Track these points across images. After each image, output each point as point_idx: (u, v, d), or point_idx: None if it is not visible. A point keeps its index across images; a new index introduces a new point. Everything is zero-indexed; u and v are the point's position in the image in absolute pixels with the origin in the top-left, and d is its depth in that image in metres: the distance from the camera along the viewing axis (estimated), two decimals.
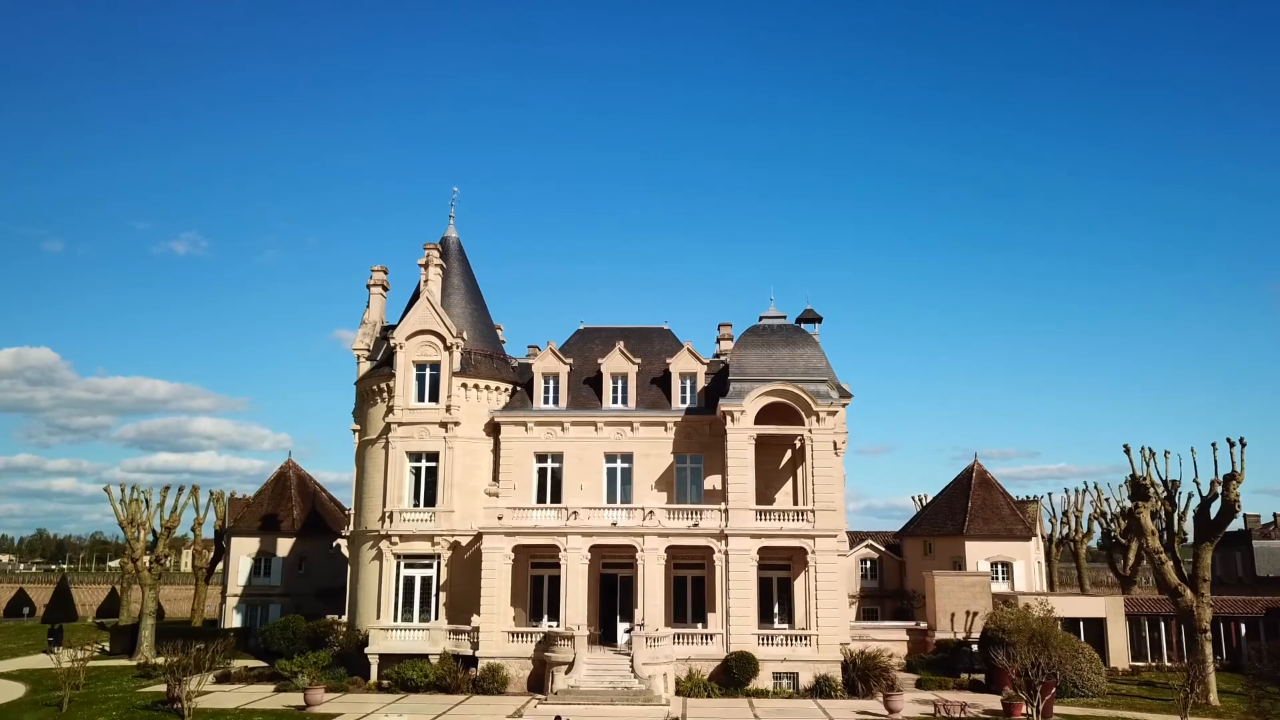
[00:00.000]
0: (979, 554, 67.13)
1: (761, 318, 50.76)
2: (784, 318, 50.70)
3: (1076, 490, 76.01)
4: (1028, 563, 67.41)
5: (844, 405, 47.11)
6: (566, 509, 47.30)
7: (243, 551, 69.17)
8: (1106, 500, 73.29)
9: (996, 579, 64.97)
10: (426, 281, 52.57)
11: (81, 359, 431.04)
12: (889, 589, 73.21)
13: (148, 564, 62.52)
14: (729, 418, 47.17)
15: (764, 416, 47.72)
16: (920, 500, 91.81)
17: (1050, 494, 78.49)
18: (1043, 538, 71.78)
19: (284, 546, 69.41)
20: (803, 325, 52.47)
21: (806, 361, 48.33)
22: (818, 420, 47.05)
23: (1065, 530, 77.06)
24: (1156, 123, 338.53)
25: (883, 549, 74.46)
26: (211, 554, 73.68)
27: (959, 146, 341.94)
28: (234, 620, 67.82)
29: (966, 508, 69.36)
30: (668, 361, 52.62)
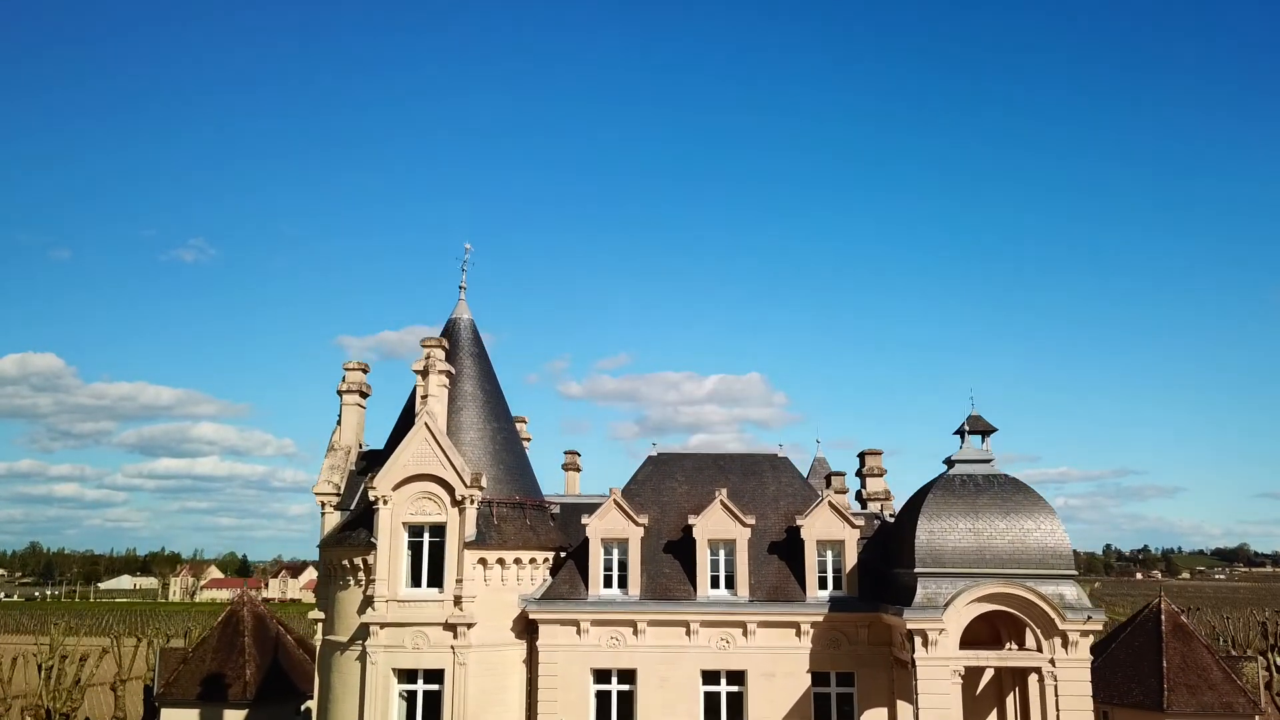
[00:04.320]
0: None
1: (953, 461, 32.10)
2: (991, 462, 31.99)
3: None
4: None
5: (1101, 621, 28.80)
6: None
7: None
8: None
9: None
10: (425, 398, 34.12)
11: (86, 365, 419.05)
12: None
13: None
14: (920, 640, 28.79)
15: (970, 629, 29.45)
16: None
17: (1225, 616, 59.40)
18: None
19: None
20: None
21: (1040, 540, 29.84)
22: (1063, 643, 28.73)
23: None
24: (1157, 125, 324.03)
25: None
26: None
27: (950, 145, 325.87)
28: None
29: (1161, 669, 50.58)
30: (796, 520, 34.04)
